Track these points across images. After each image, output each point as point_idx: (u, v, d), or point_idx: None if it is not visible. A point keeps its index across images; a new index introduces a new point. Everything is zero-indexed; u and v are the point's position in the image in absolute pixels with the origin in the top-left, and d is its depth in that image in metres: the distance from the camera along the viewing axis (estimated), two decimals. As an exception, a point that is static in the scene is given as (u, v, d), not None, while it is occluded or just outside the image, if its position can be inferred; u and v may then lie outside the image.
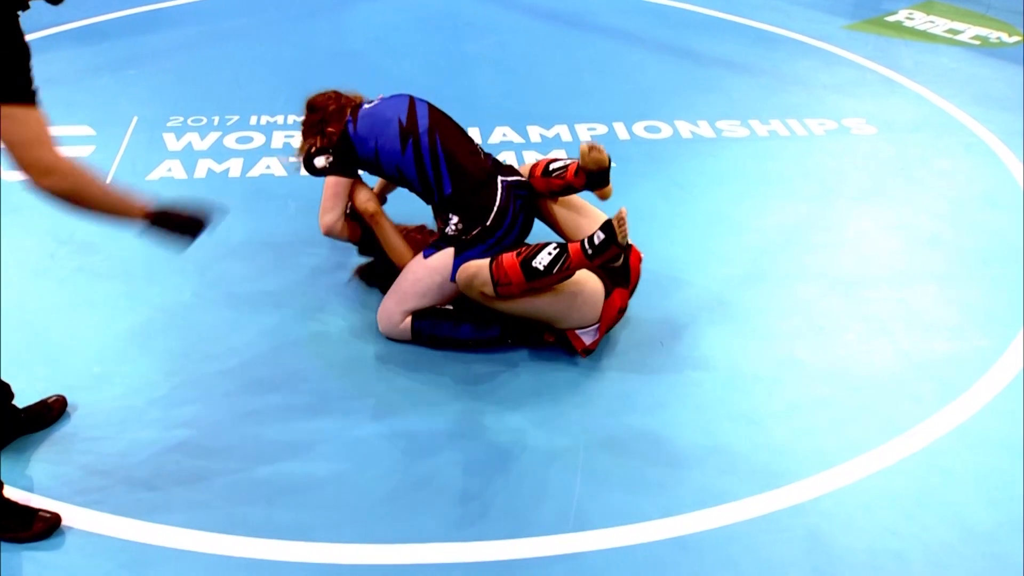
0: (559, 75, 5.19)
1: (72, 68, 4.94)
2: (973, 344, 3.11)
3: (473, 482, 2.51)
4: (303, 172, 3.05)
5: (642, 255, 3.05)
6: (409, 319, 2.97)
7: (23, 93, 1.85)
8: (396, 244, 3.11)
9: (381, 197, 3.26)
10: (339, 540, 2.31)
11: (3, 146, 1.88)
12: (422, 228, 3.29)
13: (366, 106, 3.04)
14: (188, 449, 2.57)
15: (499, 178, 2.97)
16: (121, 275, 3.30)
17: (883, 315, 3.24)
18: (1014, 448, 2.68)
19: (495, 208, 2.90)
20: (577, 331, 2.89)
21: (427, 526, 2.36)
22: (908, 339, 3.13)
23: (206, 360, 2.91)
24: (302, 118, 3.16)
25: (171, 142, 4.26)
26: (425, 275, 2.96)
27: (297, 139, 4.21)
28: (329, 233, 3.13)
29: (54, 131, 1.92)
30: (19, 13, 1.85)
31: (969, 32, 6.11)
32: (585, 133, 4.49)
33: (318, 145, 3.08)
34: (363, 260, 3.35)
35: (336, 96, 3.13)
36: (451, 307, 2.99)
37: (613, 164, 2.94)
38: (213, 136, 4.33)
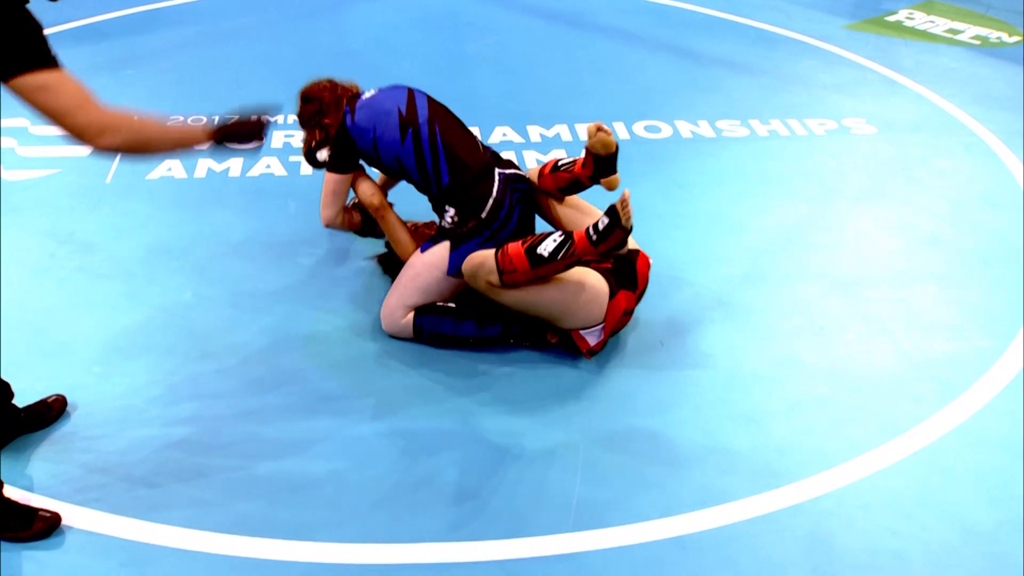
0: (559, 75, 5.19)
1: (71, 68, 4.85)
2: (973, 344, 3.11)
3: (473, 481, 2.50)
4: (305, 165, 3.05)
5: (650, 261, 3.05)
6: (411, 316, 2.97)
7: (46, 58, 1.84)
8: (402, 238, 3.10)
9: (384, 190, 3.26)
10: (339, 539, 2.31)
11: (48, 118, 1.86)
12: (431, 224, 3.26)
13: (363, 97, 3.03)
14: (188, 448, 2.57)
15: (496, 170, 2.97)
16: (121, 275, 3.30)
17: (883, 315, 3.24)
18: (1014, 448, 2.67)
19: (491, 200, 2.90)
20: (582, 332, 2.88)
21: (427, 525, 2.36)
22: (908, 339, 3.13)
23: (206, 359, 2.91)
24: (297, 109, 3.14)
25: (171, 142, 4.25)
26: (423, 270, 2.96)
27: (297, 139, 4.23)
28: (330, 226, 3.15)
29: (81, 91, 1.89)
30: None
31: (969, 32, 6.11)
32: (585, 133, 4.48)
33: (318, 138, 3.08)
34: (362, 258, 3.35)
35: (332, 86, 3.11)
36: (453, 304, 2.98)
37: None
38: (213, 136, 4.33)
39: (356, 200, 3.20)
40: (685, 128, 4.59)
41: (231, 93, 4.79)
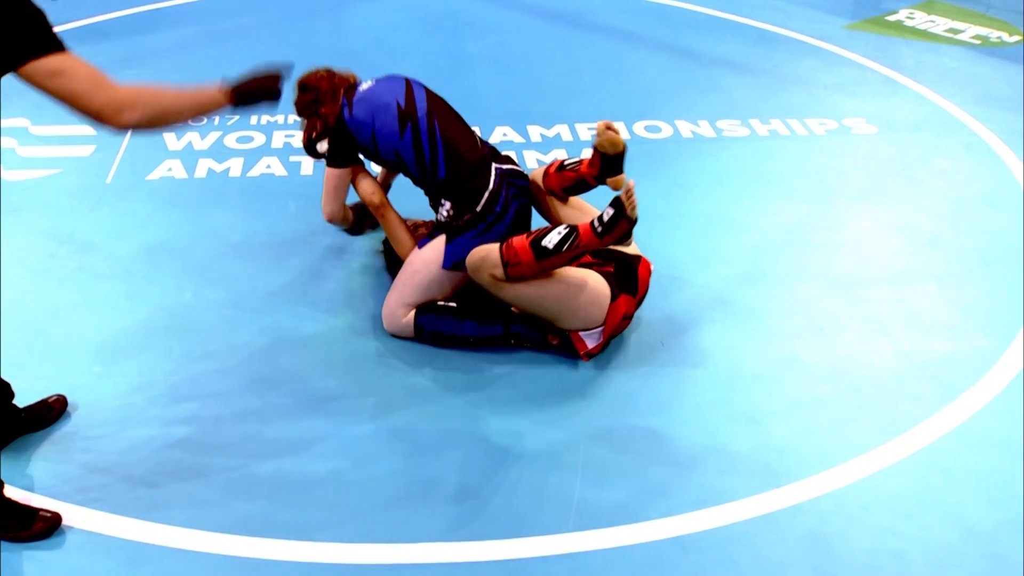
0: (559, 75, 5.19)
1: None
2: (973, 344, 3.11)
3: (473, 481, 2.50)
4: (306, 164, 3.07)
5: (652, 267, 3.05)
6: (412, 315, 2.96)
7: (54, 42, 1.83)
8: (401, 236, 3.10)
9: (384, 188, 3.27)
10: (339, 539, 2.31)
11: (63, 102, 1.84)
12: (430, 224, 3.26)
13: (361, 88, 3.02)
14: (188, 448, 2.57)
15: (493, 165, 2.97)
16: (121, 275, 3.30)
17: (883, 315, 3.24)
18: (1014, 448, 2.67)
19: (487, 193, 2.90)
20: (581, 333, 2.88)
21: (427, 525, 2.36)
22: (908, 339, 3.12)
23: (206, 359, 2.91)
24: (294, 99, 3.12)
25: (171, 141, 4.26)
26: (421, 267, 2.96)
27: (298, 139, 4.23)
28: (331, 220, 3.18)
29: (94, 71, 1.87)
30: None
31: (970, 31, 6.11)
32: (585, 133, 4.49)
33: (318, 129, 3.08)
34: (362, 258, 3.36)
35: (329, 75, 3.10)
36: (454, 304, 2.98)
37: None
38: (213, 136, 4.33)
39: (358, 202, 3.21)
40: (685, 128, 4.59)
41: (231, 93, 4.78)
